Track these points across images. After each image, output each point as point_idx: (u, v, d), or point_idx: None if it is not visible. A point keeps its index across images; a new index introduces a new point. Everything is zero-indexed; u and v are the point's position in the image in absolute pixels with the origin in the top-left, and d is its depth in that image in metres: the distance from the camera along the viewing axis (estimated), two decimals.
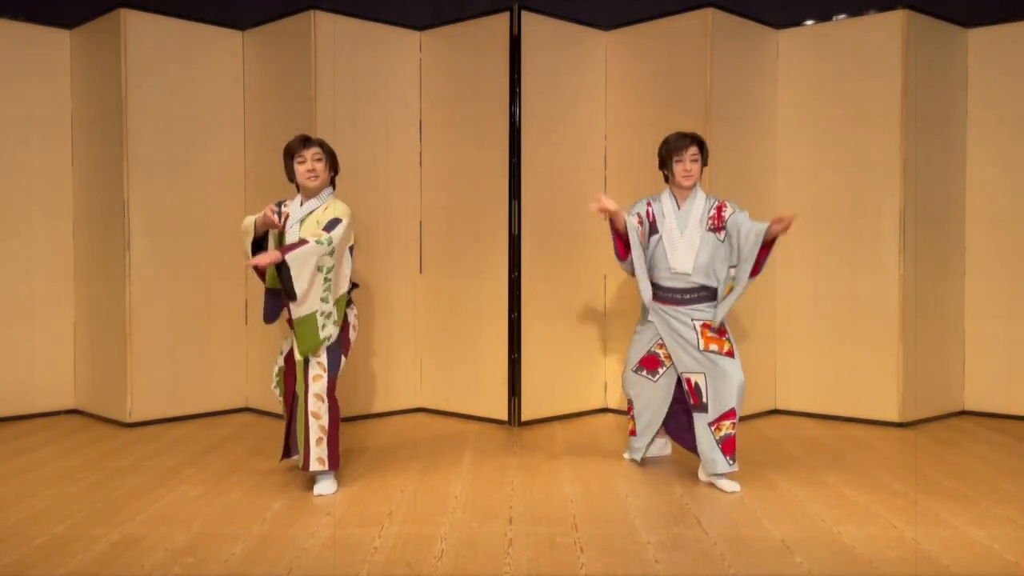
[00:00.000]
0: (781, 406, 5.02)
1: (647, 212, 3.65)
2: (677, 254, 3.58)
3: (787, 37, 4.94)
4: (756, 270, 3.46)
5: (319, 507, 3.18)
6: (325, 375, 3.33)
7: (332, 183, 3.52)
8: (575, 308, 4.94)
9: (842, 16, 4.83)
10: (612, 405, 5.06)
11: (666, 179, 3.69)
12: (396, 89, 4.94)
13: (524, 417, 4.71)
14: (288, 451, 3.56)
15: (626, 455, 3.94)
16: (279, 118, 4.75)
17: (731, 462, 3.47)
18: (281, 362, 3.54)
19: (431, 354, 5.05)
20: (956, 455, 4.05)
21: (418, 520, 3.03)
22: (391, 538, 2.84)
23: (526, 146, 4.66)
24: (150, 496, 3.31)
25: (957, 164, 4.94)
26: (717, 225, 3.55)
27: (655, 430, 3.77)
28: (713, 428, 3.48)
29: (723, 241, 3.55)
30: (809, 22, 4.90)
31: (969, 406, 5.01)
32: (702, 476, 3.58)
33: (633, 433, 3.84)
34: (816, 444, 4.27)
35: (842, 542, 2.81)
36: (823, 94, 4.83)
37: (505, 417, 4.72)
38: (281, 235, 3.43)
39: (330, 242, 3.24)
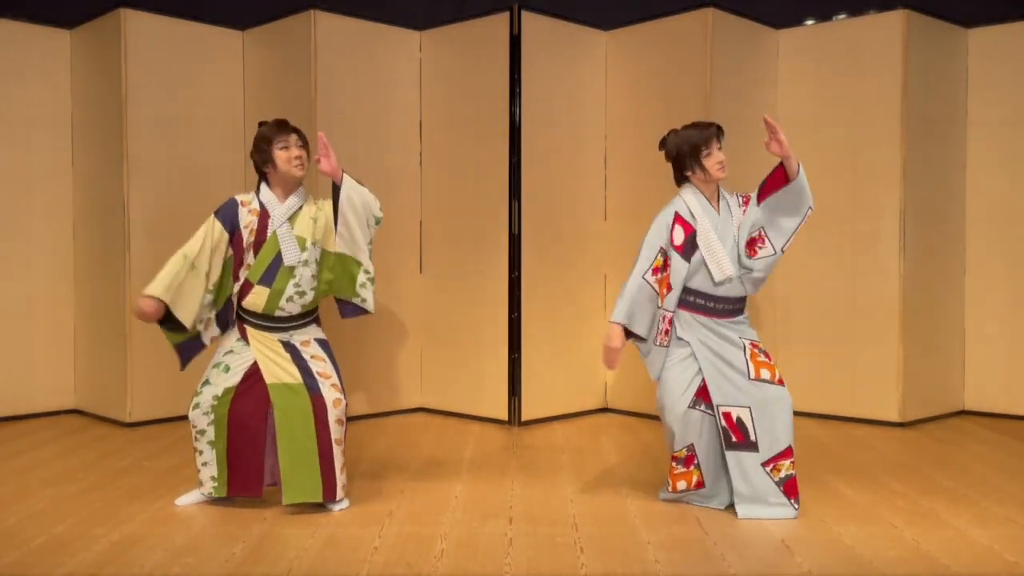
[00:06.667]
0: None
1: (684, 233, 3.08)
2: (730, 260, 3.09)
3: (787, 37, 4.93)
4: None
5: (319, 507, 3.17)
6: (343, 396, 3.11)
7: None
8: (575, 308, 4.93)
9: (842, 16, 4.83)
10: (612, 405, 5.06)
11: (683, 180, 3.17)
12: (396, 89, 4.94)
13: (524, 417, 4.71)
14: (246, 486, 3.13)
15: (698, 502, 3.19)
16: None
17: (796, 505, 3.01)
18: (218, 390, 3.08)
19: (431, 354, 5.05)
20: (956, 455, 4.05)
21: (418, 520, 3.03)
22: (391, 538, 2.84)
23: (526, 146, 4.66)
24: (150, 496, 3.30)
25: (957, 164, 4.94)
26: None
27: (723, 474, 3.12)
28: (769, 469, 3.01)
29: None
30: (809, 22, 4.91)
31: (969, 406, 5.01)
32: (745, 512, 3.00)
33: (700, 485, 3.11)
34: (816, 444, 4.26)
35: (842, 542, 2.81)
36: (823, 94, 4.83)
37: (505, 417, 4.72)
38: (263, 240, 3.14)
39: (380, 218, 3.18)
